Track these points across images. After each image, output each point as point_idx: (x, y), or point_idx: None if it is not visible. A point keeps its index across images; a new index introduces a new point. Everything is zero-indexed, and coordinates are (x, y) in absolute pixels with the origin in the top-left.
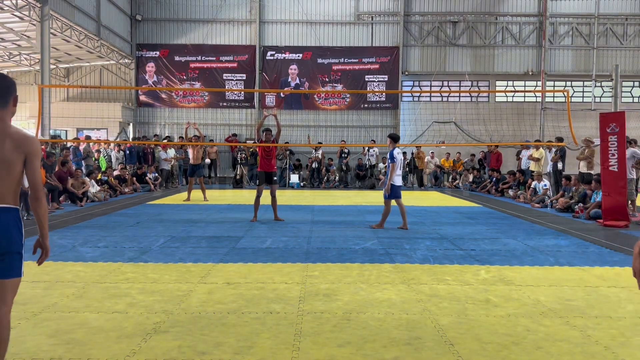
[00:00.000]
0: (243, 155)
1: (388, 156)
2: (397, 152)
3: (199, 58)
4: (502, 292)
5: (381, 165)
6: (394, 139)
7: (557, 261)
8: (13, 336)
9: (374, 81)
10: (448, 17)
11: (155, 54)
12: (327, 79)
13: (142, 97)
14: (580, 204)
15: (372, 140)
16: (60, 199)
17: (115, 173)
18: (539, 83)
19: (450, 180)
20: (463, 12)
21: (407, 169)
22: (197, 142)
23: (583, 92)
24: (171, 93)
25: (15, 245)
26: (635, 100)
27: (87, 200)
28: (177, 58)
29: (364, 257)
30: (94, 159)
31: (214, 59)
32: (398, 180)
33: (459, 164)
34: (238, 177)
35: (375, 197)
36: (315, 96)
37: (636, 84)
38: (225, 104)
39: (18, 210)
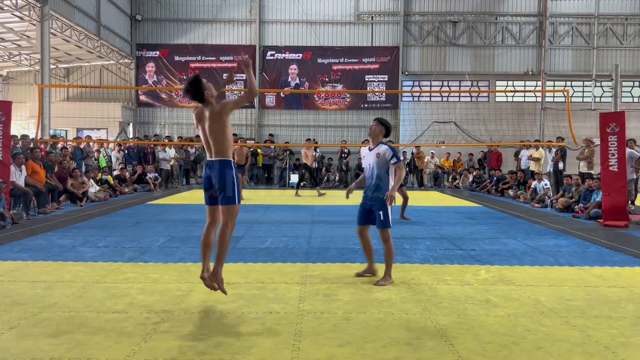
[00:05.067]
0: None
1: (393, 154)
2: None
3: (199, 58)
4: (502, 292)
5: None
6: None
7: (557, 261)
8: (13, 336)
9: (374, 81)
10: (448, 17)
11: (155, 54)
12: (327, 79)
13: (142, 97)
14: (581, 205)
15: (365, 140)
16: (60, 199)
17: (115, 173)
18: (539, 83)
19: (450, 180)
20: (463, 12)
21: (407, 169)
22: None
23: (583, 92)
24: (171, 93)
25: None
26: (635, 100)
27: (87, 200)
28: (177, 58)
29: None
30: (94, 159)
31: (214, 59)
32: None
33: (459, 164)
34: None
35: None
36: (315, 96)
37: (636, 84)
38: None
39: None
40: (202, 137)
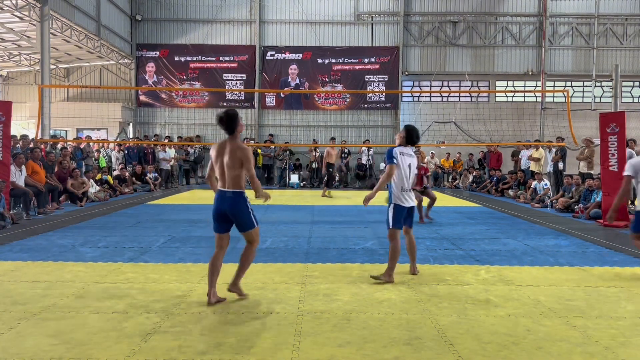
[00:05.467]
0: None
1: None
2: (399, 152)
3: (199, 58)
4: (502, 292)
5: (382, 165)
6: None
7: (557, 261)
8: (13, 336)
9: (374, 81)
10: (448, 17)
11: (155, 54)
12: (327, 79)
13: (142, 97)
14: (581, 205)
15: (366, 140)
16: (60, 199)
17: (115, 173)
18: (539, 83)
19: (450, 180)
20: (463, 12)
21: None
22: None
23: (583, 92)
24: (171, 93)
25: None
26: (635, 100)
27: (87, 200)
28: (177, 58)
29: (364, 257)
30: (94, 159)
31: (214, 59)
32: (404, 197)
33: (459, 164)
34: None
35: (375, 198)
36: (315, 96)
37: (636, 84)
38: (225, 104)
39: None
40: (217, 167)
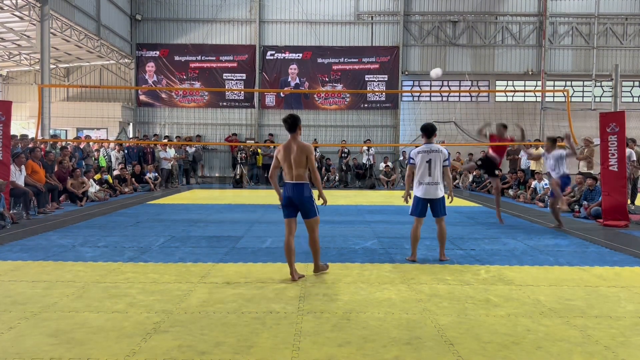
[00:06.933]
0: (243, 155)
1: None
2: (417, 152)
3: (199, 58)
4: (502, 292)
5: (381, 165)
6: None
7: (557, 261)
8: (13, 336)
9: (374, 81)
10: (448, 17)
11: (155, 53)
12: (327, 79)
13: (142, 97)
14: (585, 202)
15: (367, 139)
16: (60, 198)
17: (115, 173)
18: (539, 83)
19: None
20: (463, 12)
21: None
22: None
23: (583, 92)
24: (171, 93)
25: None
26: (635, 100)
27: (87, 200)
28: (177, 58)
29: (364, 257)
30: (93, 158)
31: (214, 58)
32: (419, 190)
33: (459, 163)
34: (238, 177)
35: (375, 197)
36: (315, 96)
37: (636, 83)
38: (225, 103)
39: None
40: (284, 163)
